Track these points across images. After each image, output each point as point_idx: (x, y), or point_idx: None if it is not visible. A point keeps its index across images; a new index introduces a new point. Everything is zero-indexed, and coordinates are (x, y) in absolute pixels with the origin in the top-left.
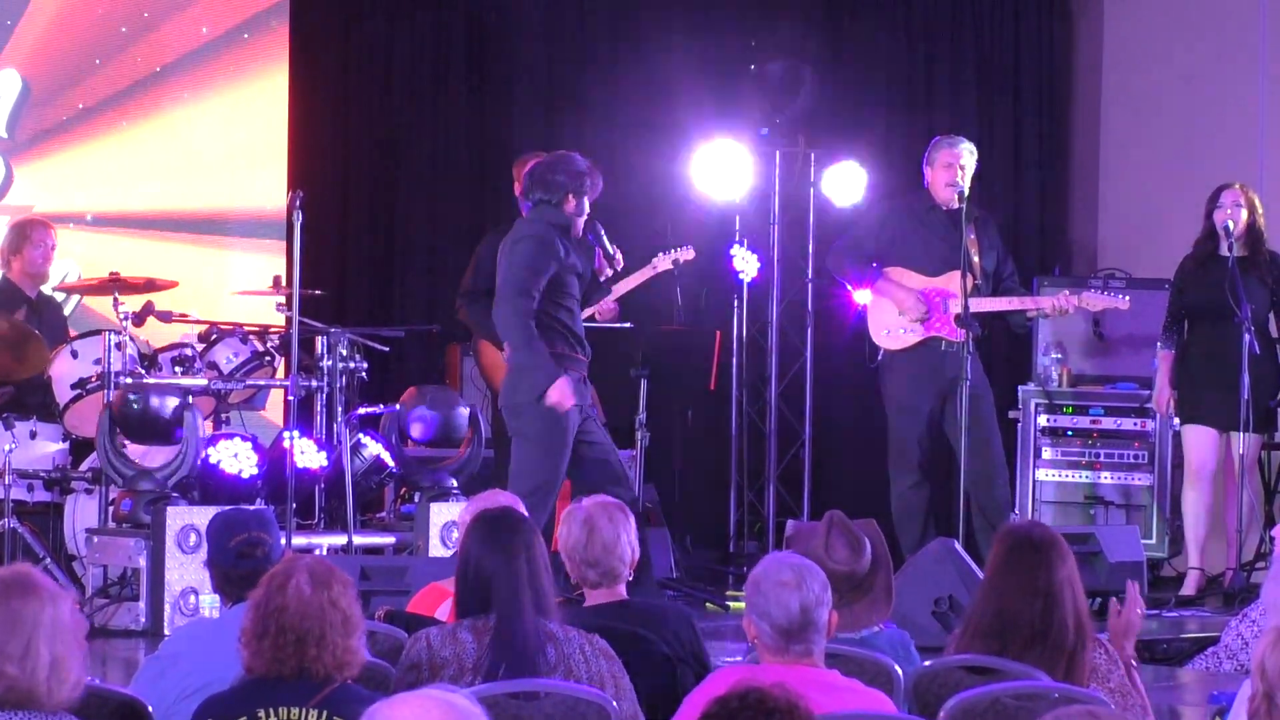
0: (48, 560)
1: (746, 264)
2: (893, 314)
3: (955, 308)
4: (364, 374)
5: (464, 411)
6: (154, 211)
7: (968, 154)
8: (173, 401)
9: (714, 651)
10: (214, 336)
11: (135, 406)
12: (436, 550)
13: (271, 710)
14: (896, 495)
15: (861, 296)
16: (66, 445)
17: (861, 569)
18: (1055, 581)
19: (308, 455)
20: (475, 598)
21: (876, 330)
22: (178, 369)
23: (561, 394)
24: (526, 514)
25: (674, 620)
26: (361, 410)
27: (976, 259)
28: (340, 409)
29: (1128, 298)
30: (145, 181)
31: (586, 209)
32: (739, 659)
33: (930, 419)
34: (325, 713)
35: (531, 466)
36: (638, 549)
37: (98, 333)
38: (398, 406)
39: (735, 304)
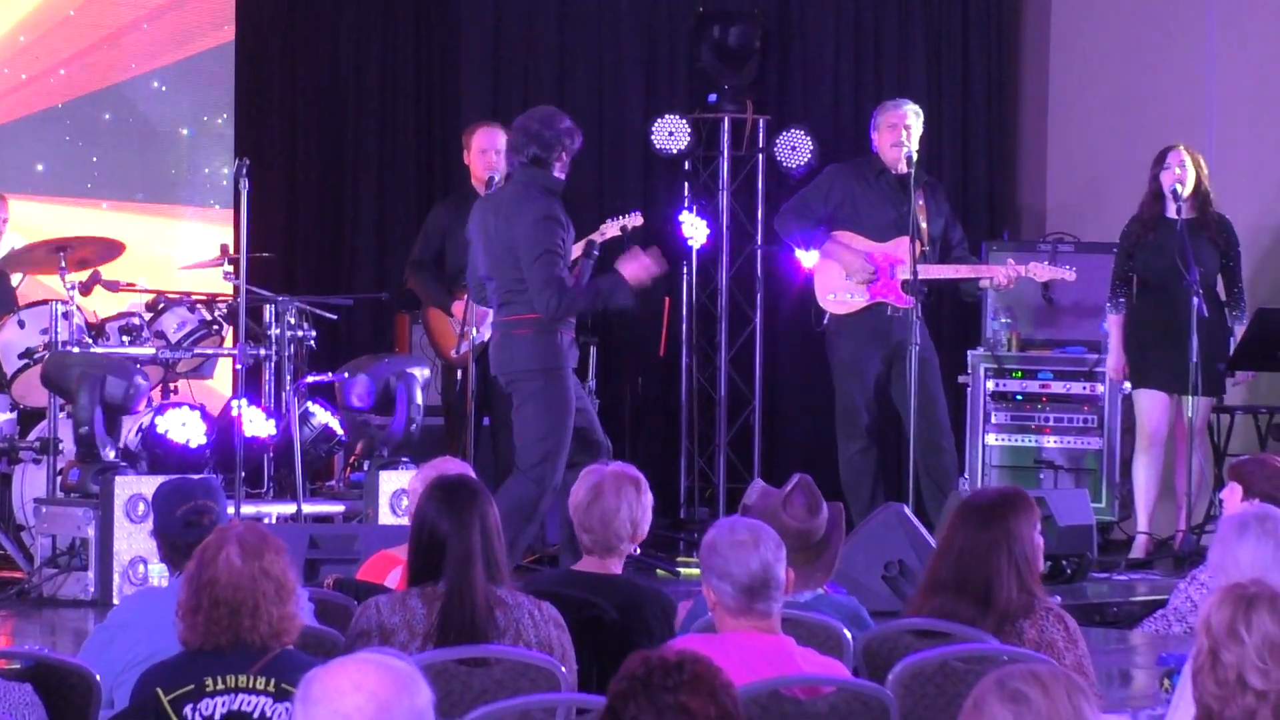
0: None
1: (695, 230)
2: (839, 278)
3: (903, 274)
4: (313, 342)
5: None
6: (100, 180)
7: (913, 115)
8: (74, 370)
9: None
10: (161, 305)
11: (47, 374)
12: (386, 518)
13: (219, 678)
14: (845, 460)
15: (808, 259)
16: (14, 415)
17: (815, 530)
18: (1008, 530)
19: (256, 424)
20: (428, 563)
21: (822, 294)
22: (125, 338)
23: (637, 270)
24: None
25: (651, 606)
26: (310, 379)
27: (924, 225)
28: (289, 377)
29: (1074, 268)
30: (91, 151)
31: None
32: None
33: (877, 384)
34: (272, 679)
35: (539, 433)
36: (644, 524)
37: (45, 302)
38: (345, 375)
39: (684, 270)
